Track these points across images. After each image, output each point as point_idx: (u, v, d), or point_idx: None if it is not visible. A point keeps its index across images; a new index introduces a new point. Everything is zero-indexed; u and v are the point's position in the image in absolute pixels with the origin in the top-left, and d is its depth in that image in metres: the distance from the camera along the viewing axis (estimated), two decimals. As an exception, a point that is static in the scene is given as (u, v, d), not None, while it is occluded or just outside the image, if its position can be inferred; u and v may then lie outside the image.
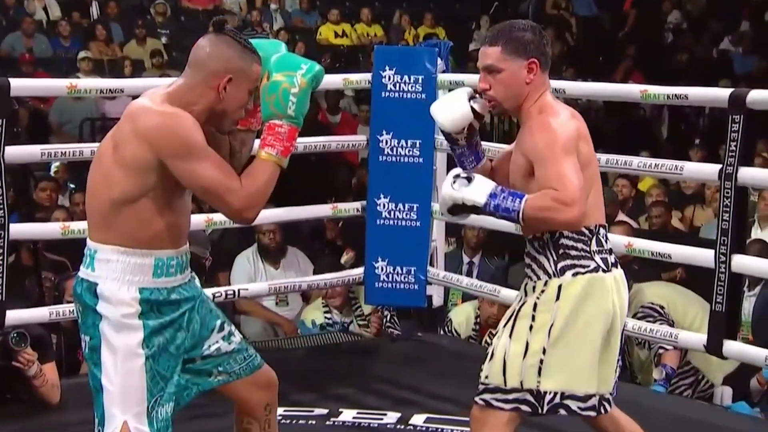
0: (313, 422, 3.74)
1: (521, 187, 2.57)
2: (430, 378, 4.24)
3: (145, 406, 2.42)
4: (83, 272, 2.46)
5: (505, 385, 2.55)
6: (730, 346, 3.75)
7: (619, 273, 2.63)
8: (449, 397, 3.98)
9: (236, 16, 11.75)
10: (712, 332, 3.77)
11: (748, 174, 3.68)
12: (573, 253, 2.56)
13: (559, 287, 2.55)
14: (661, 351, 4.55)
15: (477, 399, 2.60)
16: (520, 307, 2.60)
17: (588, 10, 12.99)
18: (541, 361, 2.53)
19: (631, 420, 2.75)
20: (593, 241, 2.58)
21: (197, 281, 2.60)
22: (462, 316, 5.24)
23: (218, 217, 4.22)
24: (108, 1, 11.26)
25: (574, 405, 2.56)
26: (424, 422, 3.80)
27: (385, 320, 5.19)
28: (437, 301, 4.86)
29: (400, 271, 4.61)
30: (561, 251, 2.56)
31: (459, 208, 2.55)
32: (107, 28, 10.79)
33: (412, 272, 4.60)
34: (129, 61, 10.15)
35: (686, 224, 7.08)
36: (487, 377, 2.59)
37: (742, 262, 3.72)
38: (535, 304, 2.57)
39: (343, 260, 5.60)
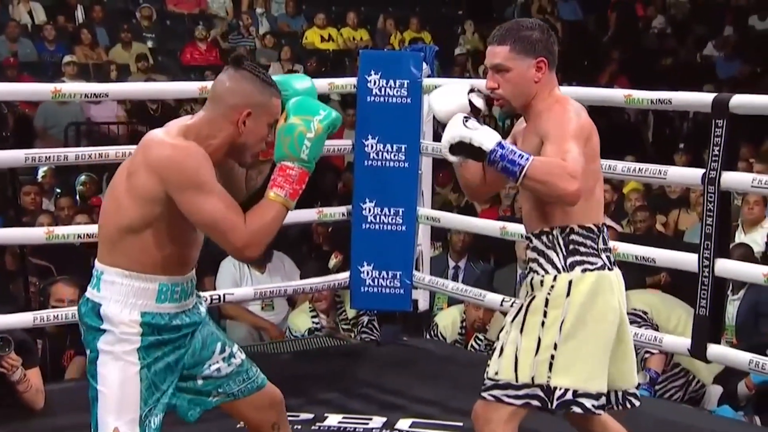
0: (299, 427, 3.74)
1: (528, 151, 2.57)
2: (415, 382, 4.24)
3: (138, 414, 2.45)
4: (89, 292, 2.50)
5: (517, 381, 2.55)
6: (714, 350, 3.77)
7: (617, 272, 2.65)
8: (435, 401, 3.99)
9: (224, 20, 11.76)
10: (697, 336, 3.79)
11: (731, 178, 3.69)
12: (582, 249, 2.57)
13: (570, 283, 2.55)
14: (646, 356, 4.57)
15: (485, 395, 2.59)
16: (530, 301, 2.59)
17: (573, 15, 13.04)
18: (552, 357, 2.53)
19: (618, 425, 2.75)
20: (600, 239, 2.60)
21: (203, 306, 2.64)
22: (448, 320, 5.25)
23: (328, 210, 4.51)
24: (93, 5, 11.23)
25: (588, 403, 2.55)
26: (410, 427, 3.80)
27: (361, 325, 5.21)
28: (423, 305, 4.86)
29: (385, 276, 4.61)
30: (571, 247, 2.57)
31: (462, 148, 2.47)
32: (92, 32, 10.75)
33: (398, 276, 4.60)
34: (114, 66, 10.13)
35: (671, 228, 7.12)
36: (497, 373, 2.58)
37: (725, 266, 3.73)
38: (547, 300, 2.56)
39: (330, 264, 5.59)
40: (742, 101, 3.66)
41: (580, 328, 2.53)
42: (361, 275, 4.61)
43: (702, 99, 3.87)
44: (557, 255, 2.58)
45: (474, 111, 2.63)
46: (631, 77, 10.72)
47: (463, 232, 5.70)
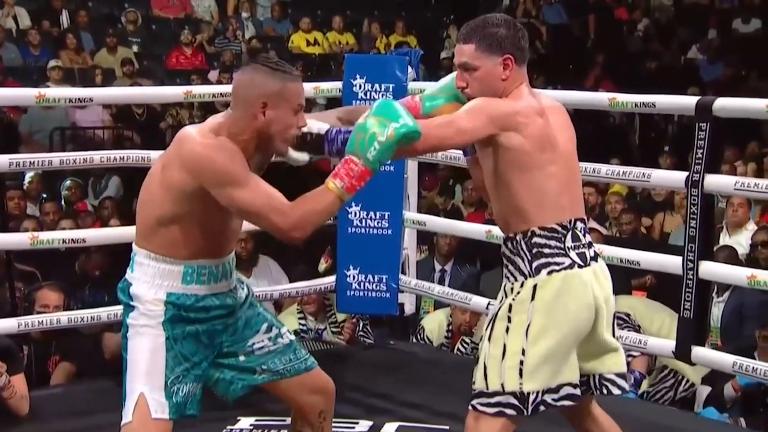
0: (285, 431, 3.73)
1: (482, 157, 2.61)
2: (402, 386, 4.24)
3: (163, 381, 2.52)
4: (127, 273, 2.62)
5: (487, 389, 2.55)
6: (699, 353, 3.78)
7: (599, 266, 2.61)
8: (422, 405, 3.99)
9: (209, 24, 11.74)
10: (681, 338, 3.80)
11: (715, 181, 3.70)
12: (546, 251, 2.55)
13: (534, 287, 2.54)
14: (629, 359, 4.59)
15: (470, 405, 2.59)
16: (499, 309, 2.59)
17: (558, 18, 13.08)
18: (521, 362, 2.51)
19: (612, 422, 2.75)
20: (568, 237, 2.56)
21: (243, 291, 2.68)
22: (434, 324, 5.26)
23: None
24: (78, 10, 11.20)
25: (549, 398, 2.55)
26: (396, 430, 3.80)
27: (357, 328, 5.20)
28: (409, 309, 4.87)
29: (371, 280, 4.61)
30: (535, 250, 2.55)
31: (304, 143, 2.54)
32: (78, 36, 10.72)
33: (384, 280, 4.61)
34: (100, 70, 10.11)
35: (657, 231, 7.15)
36: (474, 382, 2.59)
37: (709, 269, 3.75)
38: (510, 306, 2.55)
39: (321, 268, 5.59)
40: (725, 104, 3.67)
41: (546, 331, 2.51)
42: (347, 279, 4.61)
43: (685, 102, 3.88)
44: (522, 260, 2.56)
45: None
46: (616, 80, 10.76)
47: (450, 235, 5.71)
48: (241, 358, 2.67)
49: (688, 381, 4.64)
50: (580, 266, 2.55)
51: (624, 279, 5.36)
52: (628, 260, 3.98)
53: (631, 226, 6.44)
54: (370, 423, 3.85)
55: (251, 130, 2.48)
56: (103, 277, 5.64)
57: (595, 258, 2.61)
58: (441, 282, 5.76)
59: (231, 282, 2.65)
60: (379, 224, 4.58)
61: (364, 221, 4.58)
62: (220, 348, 2.64)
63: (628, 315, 4.57)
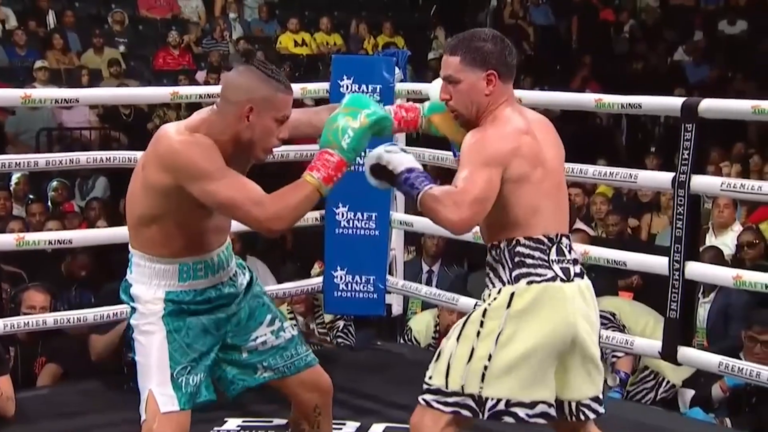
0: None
1: None
2: (389, 387, 4.24)
3: (169, 374, 2.54)
4: (127, 274, 2.63)
5: (447, 388, 2.54)
6: (685, 353, 3.80)
7: (584, 283, 2.58)
8: (409, 406, 3.92)
9: (196, 25, 11.72)
10: (667, 339, 3.81)
11: (701, 182, 3.72)
12: (529, 261, 2.53)
13: (512, 295, 2.51)
14: (614, 359, 4.61)
15: (419, 399, 2.59)
16: (473, 312, 2.58)
17: (545, 20, 13.11)
18: (486, 368, 2.50)
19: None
20: (553, 250, 2.54)
21: (244, 278, 2.69)
22: (421, 325, 5.26)
23: None
24: (65, 10, 11.15)
25: (522, 413, 2.52)
26: (383, 431, 3.80)
27: (337, 329, 5.20)
28: (396, 309, 4.88)
29: (359, 280, 4.61)
30: (517, 259, 2.53)
31: (378, 171, 2.54)
32: (64, 37, 10.68)
33: (371, 281, 4.61)
34: (86, 71, 10.07)
35: (644, 232, 7.16)
36: (431, 378, 2.57)
37: (695, 269, 3.77)
38: (485, 310, 2.53)
39: (313, 273, 5.58)
40: (710, 105, 3.69)
41: (517, 340, 2.49)
42: (335, 280, 4.61)
43: (671, 103, 3.90)
44: (503, 268, 2.54)
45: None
46: (603, 82, 10.79)
47: (437, 236, 5.71)
48: (244, 354, 2.68)
49: (668, 382, 4.66)
50: (563, 280, 2.53)
51: (610, 280, 5.38)
52: (614, 261, 3.99)
53: (618, 227, 6.46)
54: (358, 424, 3.85)
55: (232, 131, 2.47)
56: (89, 278, 5.63)
57: (580, 275, 2.58)
58: (428, 283, 5.77)
59: (229, 270, 2.65)
60: (367, 225, 4.58)
61: (351, 222, 4.58)
62: (225, 338, 2.65)
63: (613, 315, 4.59)
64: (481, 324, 2.53)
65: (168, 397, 2.53)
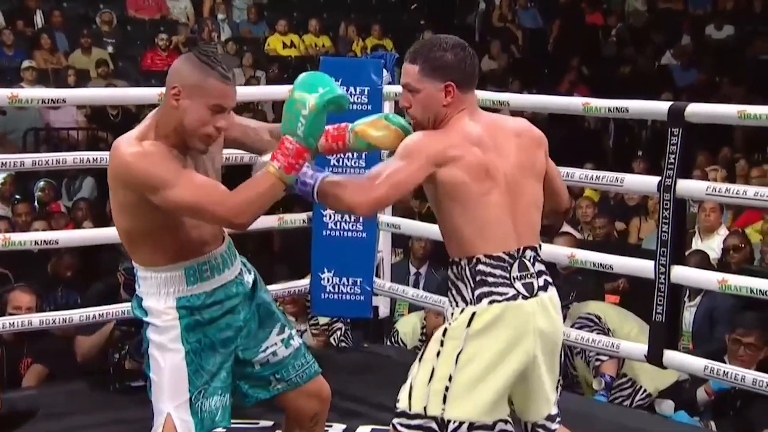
0: (259, 436, 3.73)
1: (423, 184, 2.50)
2: (376, 389, 4.24)
3: (187, 397, 2.52)
4: (136, 289, 2.60)
5: (410, 410, 2.49)
6: (671, 356, 3.81)
7: (547, 295, 2.53)
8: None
9: (185, 26, 11.70)
10: (653, 342, 3.83)
11: (687, 186, 3.74)
12: (491, 279, 2.47)
13: (472, 315, 2.46)
14: (597, 363, 4.62)
15: (390, 424, 2.55)
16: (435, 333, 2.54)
17: (533, 23, 13.14)
18: (447, 389, 2.45)
19: None
20: (515, 266, 2.49)
21: (249, 276, 2.66)
22: (408, 327, 5.27)
23: (288, 216, 4.60)
24: (53, 10, 11.12)
25: None
26: (369, 433, 3.81)
27: (339, 333, 5.19)
28: (383, 312, 4.88)
29: (346, 282, 4.61)
30: (478, 278, 2.47)
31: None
32: (52, 37, 10.65)
33: (359, 283, 4.61)
34: (72, 71, 10.04)
35: (634, 237, 7.17)
36: (398, 400, 2.53)
37: (681, 273, 3.78)
38: (446, 330, 2.49)
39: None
40: (697, 110, 3.71)
41: (477, 360, 2.44)
42: (322, 282, 4.61)
43: (658, 107, 3.91)
44: (465, 287, 2.49)
45: None
46: (591, 85, 10.83)
47: (424, 238, 5.72)
48: (257, 368, 2.65)
49: (645, 390, 4.68)
50: (525, 297, 2.48)
51: (597, 283, 5.39)
52: (600, 264, 4.00)
53: (604, 230, 6.48)
54: (344, 426, 3.85)
55: (169, 120, 2.42)
56: (75, 279, 5.61)
57: (544, 287, 2.52)
58: (415, 285, 5.77)
59: (235, 269, 2.62)
60: (354, 227, 4.58)
61: (338, 224, 4.58)
62: (236, 353, 2.61)
63: (598, 318, 4.60)
64: (441, 344, 2.48)
65: (185, 423, 2.51)
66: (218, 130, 2.45)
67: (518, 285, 2.49)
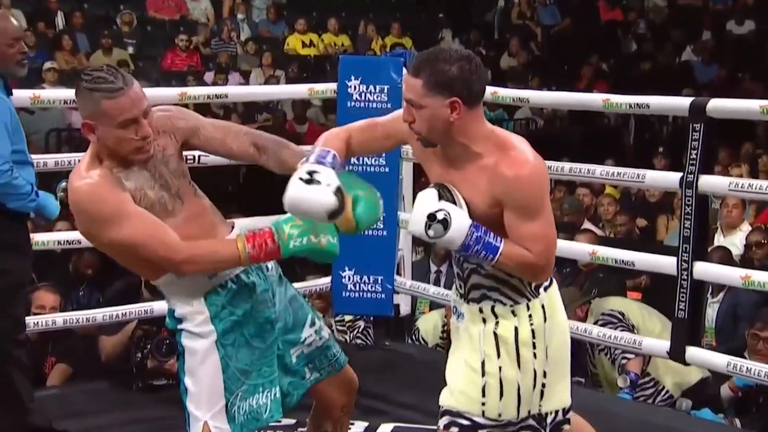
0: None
1: (483, 214, 2.40)
2: (397, 387, 4.25)
3: (222, 404, 2.50)
4: (167, 302, 2.60)
5: (518, 417, 2.48)
6: (693, 353, 3.79)
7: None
8: (416, 406, 3.99)
9: (205, 26, 11.74)
10: (676, 339, 3.81)
11: (709, 182, 3.72)
12: None
13: (543, 308, 2.48)
14: (624, 361, 4.60)
15: None
16: (517, 334, 2.46)
17: (553, 20, 13.10)
18: (544, 386, 2.48)
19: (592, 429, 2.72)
20: None
21: (269, 264, 2.62)
22: (429, 325, 5.26)
23: None
24: (74, 11, 11.19)
25: (569, 415, 2.55)
26: (392, 431, 3.81)
27: (357, 330, 5.20)
28: (404, 309, 4.88)
29: (367, 281, 4.62)
30: None
31: (436, 223, 2.39)
32: (73, 38, 10.72)
33: (380, 281, 4.61)
34: (94, 72, 10.09)
35: (662, 234, 7.11)
36: (500, 415, 2.46)
37: (704, 269, 3.76)
38: (533, 331, 2.46)
39: None
40: (719, 105, 3.69)
41: (560, 350, 2.50)
42: (343, 280, 4.61)
43: (679, 103, 3.90)
44: (521, 282, 2.45)
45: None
46: (611, 82, 10.79)
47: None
48: (293, 359, 2.64)
49: (667, 392, 4.66)
50: (553, 280, 2.53)
51: (619, 280, 5.37)
52: (622, 261, 3.99)
53: (626, 228, 6.45)
54: (366, 424, 3.85)
55: (105, 151, 2.43)
56: (96, 278, 5.63)
57: None
58: (436, 283, 5.77)
59: None
60: (375, 225, 4.58)
61: (359, 222, 4.58)
62: (275, 348, 2.60)
63: (622, 314, 4.58)
64: (534, 346, 2.46)
65: (223, 431, 2.51)
66: (144, 138, 2.42)
67: None
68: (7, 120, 3.37)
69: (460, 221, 2.36)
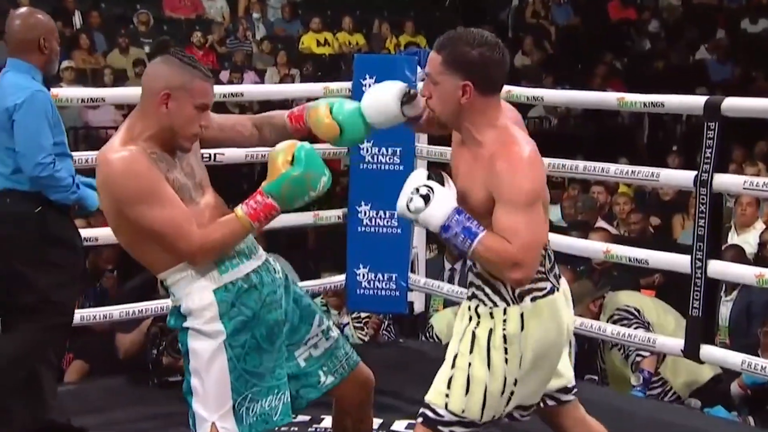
0: (296, 429, 3.76)
1: (478, 206, 2.41)
2: (411, 384, 4.23)
3: (230, 405, 2.48)
4: (171, 300, 2.57)
5: (481, 420, 2.46)
6: (707, 351, 3.80)
7: (564, 285, 2.53)
8: (430, 403, 4.01)
9: (221, 25, 11.79)
10: (690, 337, 3.82)
11: (723, 180, 3.73)
12: None
13: (522, 316, 2.42)
14: (639, 359, 4.60)
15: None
16: (490, 336, 2.44)
17: (567, 19, 13.09)
18: (512, 393, 2.46)
19: (600, 426, 2.70)
20: (546, 260, 2.46)
21: (277, 264, 2.63)
22: (443, 322, 5.28)
23: (324, 213, 4.67)
24: (91, 11, 11.25)
25: (517, 414, 2.55)
26: (406, 428, 3.83)
27: (383, 326, 5.22)
28: (418, 307, 4.90)
29: (381, 278, 4.64)
30: None
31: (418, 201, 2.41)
32: (90, 37, 10.77)
33: (394, 279, 4.64)
34: (109, 70, 10.15)
35: (678, 232, 7.10)
36: (463, 411, 2.46)
37: (718, 268, 3.77)
38: (505, 337, 2.43)
39: None
40: (733, 104, 3.69)
41: (537, 360, 2.44)
42: (357, 277, 4.64)
43: (694, 102, 3.90)
44: (504, 285, 2.42)
45: (411, 120, 2.56)
46: (625, 81, 10.78)
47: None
48: (302, 363, 2.62)
49: (674, 392, 4.66)
50: (555, 290, 2.46)
51: (632, 278, 5.38)
52: (636, 259, 3.99)
53: (639, 226, 6.45)
54: (380, 421, 3.87)
55: (155, 123, 2.44)
56: (114, 272, 5.67)
57: (560, 276, 2.53)
58: (450, 281, 5.78)
59: (261, 254, 2.60)
60: (389, 223, 4.61)
61: (373, 220, 4.61)
62: (282, 350, 2.58)
63: (637, 310, 4.57)
64: (506, 351, 2.42)
65: None
66: (205, 127, 2.49)
67: (551, 277, 2.47)
68: (48, 113, 3.41)
69: (443, 200, 2.35)
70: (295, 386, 2.61)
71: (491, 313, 2.45)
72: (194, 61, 2.48)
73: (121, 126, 2.51)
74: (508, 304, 2.43)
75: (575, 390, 2.65)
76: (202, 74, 2.46)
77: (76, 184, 3.49)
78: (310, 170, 2.42)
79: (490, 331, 2.44)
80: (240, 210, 2.44)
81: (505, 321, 2.43)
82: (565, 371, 2.62)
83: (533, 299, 2.43)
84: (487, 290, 2.46)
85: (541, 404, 2.60)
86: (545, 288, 2.44)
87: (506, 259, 2.32)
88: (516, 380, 2.44)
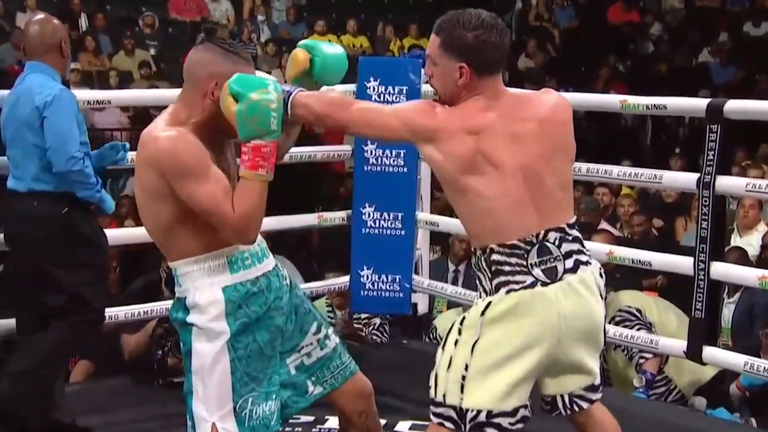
0: (300, 429, 3.77)
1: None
2: (415, 385, 4.23)
3: (231, 407, 2.46)
4: (176, 291, 2.54)
5: (435, 397, 2.50)
6: (710, 352, 3.81)
7: (577, 277, 2.46)
8: (434, 403, 4.02)
9: (225, 27, 11.82)
10: (692, 338, 3.83)
11: (726, 183, 3.74)
12: (506, 269, 2.42)
13: (488, 304, 2.43)
14: (642, 360, 4.61)
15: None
16: (454, 322, 2.51)
17: (570, 21, 13.11)
18: (463, 377, 2.43)
19: (615, 424, 2.69)
20: (532, 253, 2.41)
21: (283, 270, 2.62)
22: (447, 324, 5.22)
23: (328, 215, 4.72)
24: (96, 13, 11.29)
25: (505, 422, 2.45)
26: (410, 429, 3.85)
27: (373, 326, 5.23)
28: (422, 308, 4.91)
29: (385, 279, 4.65)
30: (494, 268, 2.43)
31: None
32: (96, 39, 10.82)
33: (398, 280, 4.65)
34: (114, 72, 10.18)
35: (680, 235, 7.11)
36: (429, 387, 2.53)
37: (720, 270, 3.78)
38: (463, 319, 2.46)
39: None
40: (736, 106, 3.71)
41: (495, 348, 2.41)
42: (361, 279, 4.65)
43: (697, 104, 3.92)
44: (484, 277, 2.45)
45: None
46: (628, 83, 10.79)
47: (463, 236, 5.74)
48: (293, 371, 2.60)
49: (679, 391, 4.68)
50: (545, 283, 2.41)
51: (635, 280, 5.39)
52: (639, 261, 4.01)
53: (642, 228, 6.47)
54: (384, 421, 3.81)
55: (201, 110, 2.43)
56: (119, 272, 5.69)
57: (573, 269, 2.45)
58: (454, 282, 5.80)
59: (271, 258, 2.59)
60: (393, 225, 4.62)
61: (377, 222, 4.62)
62: (279, 356, 2.57)
63: (639, 311, 4.59)
64: (459, 332, 2.45)
65: None
66: None
67: (537, 271, 2.42)
68: (75, 111, 3.45)
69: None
70: (284, 394, 2.59)
71: (477, 304, 2.49)
72: (237, 48, 2.48)
73: (161, 114, 2.49)
74: (488, 295, 2.46)
75: (601, 389, 2.63)
76: (246, 61, 2.47)
77: (100, 184, 3.52)
78: (252, 92, 2.37)
79: (463, 318, 2.49)
80: (240, 172, 2.40)
81: (470, 309, 2.48)
82: (591, 367, 2.57)
83: (508, 291, 2.42)
84: (477, 283, 2.50)
85: (567, 410, 2.57)
86: (524, 281, 2.41)
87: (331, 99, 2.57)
88: (467, 365, 2.42)
